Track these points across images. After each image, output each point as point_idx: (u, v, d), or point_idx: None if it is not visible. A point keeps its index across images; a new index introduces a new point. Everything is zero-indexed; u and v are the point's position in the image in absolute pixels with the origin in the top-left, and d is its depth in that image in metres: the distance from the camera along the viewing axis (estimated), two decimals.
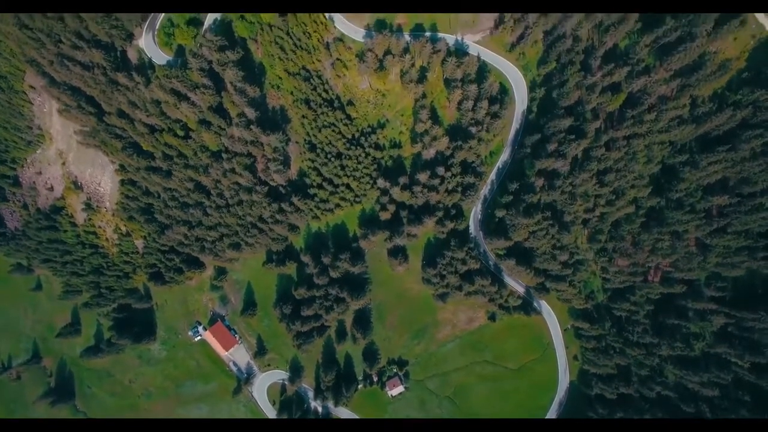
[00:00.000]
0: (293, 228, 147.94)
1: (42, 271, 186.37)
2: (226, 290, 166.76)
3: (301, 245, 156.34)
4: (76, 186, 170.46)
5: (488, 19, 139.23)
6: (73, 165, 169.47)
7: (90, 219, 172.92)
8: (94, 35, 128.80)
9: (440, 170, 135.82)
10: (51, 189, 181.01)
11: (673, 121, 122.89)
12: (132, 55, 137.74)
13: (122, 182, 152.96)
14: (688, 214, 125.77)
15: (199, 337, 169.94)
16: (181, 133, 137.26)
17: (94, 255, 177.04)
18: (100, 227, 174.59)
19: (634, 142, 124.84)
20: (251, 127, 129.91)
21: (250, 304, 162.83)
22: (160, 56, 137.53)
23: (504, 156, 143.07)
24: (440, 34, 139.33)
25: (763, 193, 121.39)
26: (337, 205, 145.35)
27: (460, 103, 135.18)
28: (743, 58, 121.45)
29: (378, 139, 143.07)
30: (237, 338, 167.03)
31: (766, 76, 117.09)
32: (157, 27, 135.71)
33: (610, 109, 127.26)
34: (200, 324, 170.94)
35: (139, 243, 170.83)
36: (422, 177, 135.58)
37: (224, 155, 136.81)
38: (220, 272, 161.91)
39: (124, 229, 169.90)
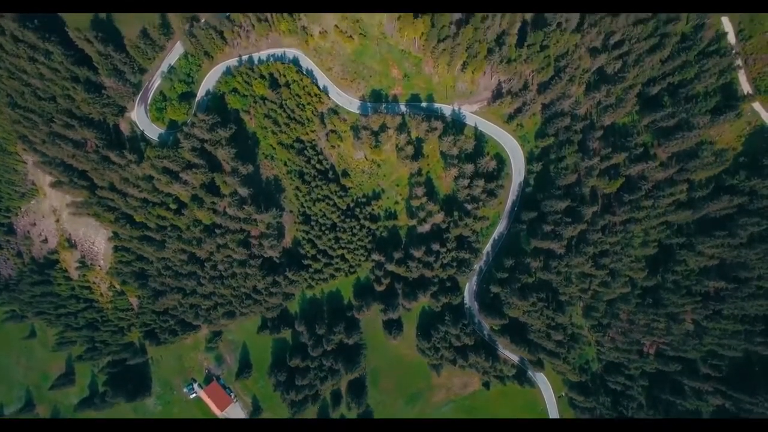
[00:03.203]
0: (288, 297, 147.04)
1: (36, 320, 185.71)
2: (221, 350, 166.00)
3: (296, 310, 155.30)
4: (70, 244, 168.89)
5: (486, 89, 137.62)
6: (67, 223, 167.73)
7: (84, 275, 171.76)
8: (87, 114, 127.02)
9: (435, 246, 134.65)
10: (45, 241, 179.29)
11: (671, 206, 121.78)
12: (124, 128, 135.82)
13: (115, 248, 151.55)
14: (685, 297, 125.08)
15: (194, 395, 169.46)
16: (174, 206, 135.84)
17: (89, 309, 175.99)
18: (94, 283, 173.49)
19: (631, 226, 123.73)
20: (244, 206, 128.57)
21: (245, 366, 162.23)
22: (152, 129, 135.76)
23: (500, 227, 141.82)
24: (437, 104, 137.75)
25: (760, 278, 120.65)
26: (332, 276, 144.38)
27: (456, 178, 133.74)
28: (740, 142, 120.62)
29: (373, 209, 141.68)
30: (232, 397, 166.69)
31: (762, 164, 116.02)
32: (149, 101, 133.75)
33: (607, 192, 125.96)
34: (195, 381, 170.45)
35: (134, 301, 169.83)
36: (417, 253, 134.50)
37: (217, 231, 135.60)
38: (216, 334, 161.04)
39: (118, 287, 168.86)
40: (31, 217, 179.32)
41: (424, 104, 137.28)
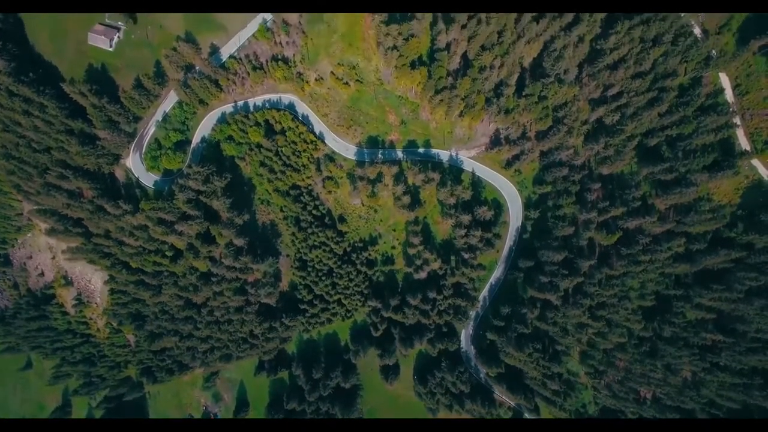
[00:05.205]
0: (284, 341, 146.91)
1: (32, 353, 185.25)
2: (218, 388, 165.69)
3: (293, 350, 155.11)
4: (66, 281, 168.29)
5: (484, 135, 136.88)
6: (63, 260, 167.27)
7: (81, 311, 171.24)
8: (81, 164, 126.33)
9: (432, 294, 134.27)
10: (42, 274, 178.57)
11: (669, 260, 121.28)
12: (120, 174, 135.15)
13: (112, 291, 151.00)
14: (682, 349, 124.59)
15: None
16: (169, 253, 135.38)
17: (85, 344, 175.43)
18: (91, 319, 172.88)
19: (628, 280, 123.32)
20: (240, 257, 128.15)
21: (242, 404, 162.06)
22: (147, 176, 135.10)
23: (497, 272, 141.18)
24: (434, 150, 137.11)
25: (758, 331, 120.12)
26: (329, 320, 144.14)
27: (453, 226, 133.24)
28: (738, 195, 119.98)
29: (370, 254, 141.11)
30: None
31: (759, 218, 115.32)
32: (144, 149, 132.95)
33: (605, 243, 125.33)
34: (193, 418, 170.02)
35: (131, 337, 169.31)
36: (414, 301, 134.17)
37: (213, 278, 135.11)
38: (213, 373, 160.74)
39: (115, 324, 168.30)
40: (28, 249, 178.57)
41: (421, 150, 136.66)
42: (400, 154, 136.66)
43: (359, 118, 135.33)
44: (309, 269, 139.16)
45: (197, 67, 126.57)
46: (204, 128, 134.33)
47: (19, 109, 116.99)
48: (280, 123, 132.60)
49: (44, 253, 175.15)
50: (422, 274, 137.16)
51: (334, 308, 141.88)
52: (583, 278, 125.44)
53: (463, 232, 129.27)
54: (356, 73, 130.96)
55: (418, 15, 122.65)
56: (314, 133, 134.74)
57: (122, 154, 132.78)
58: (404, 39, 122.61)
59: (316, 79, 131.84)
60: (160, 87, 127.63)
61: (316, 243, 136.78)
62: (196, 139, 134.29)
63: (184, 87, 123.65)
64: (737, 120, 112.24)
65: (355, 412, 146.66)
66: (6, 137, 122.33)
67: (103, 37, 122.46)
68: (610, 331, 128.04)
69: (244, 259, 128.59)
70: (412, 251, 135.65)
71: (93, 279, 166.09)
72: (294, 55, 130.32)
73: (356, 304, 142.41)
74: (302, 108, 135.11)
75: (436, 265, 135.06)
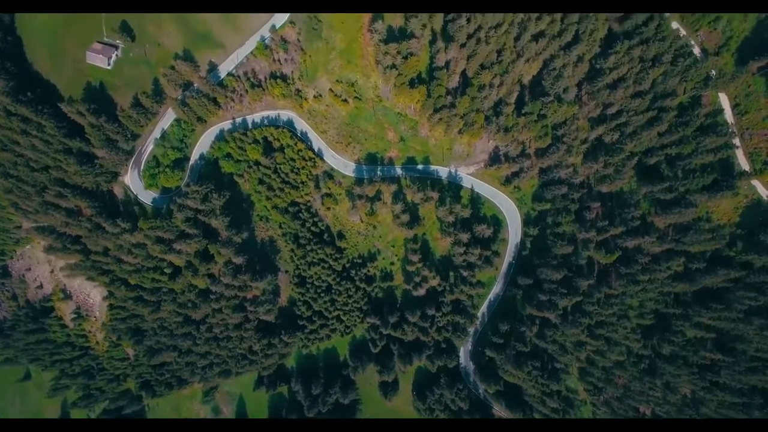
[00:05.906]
0: (283, 356, 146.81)
1: (30, 365, 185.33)
2: (218, 401, 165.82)
3: (292, 365, 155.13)
4: (65, 295, 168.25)
5: (483, 152, 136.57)
6: (62, 274, 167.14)
7: (80, 324, 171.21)
8: (80, 183, 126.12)
9: (431, 311, 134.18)
10: (40, 286, 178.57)
11: (668, 279, 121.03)
12: (118, 191, 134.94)
13: (110, 306, 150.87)
14: (681, 368, 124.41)
15: None
16: (168, 271, 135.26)
17: (84, 357, 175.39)
18: (90, 332, 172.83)
19: (627, 299, 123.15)
20: (239, 275, 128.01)
21: (242, 417, 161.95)
22: (145, 194, 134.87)
23: (496, 288, 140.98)
24: (433, 167, 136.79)
25: (758, 350, 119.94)
26: (327, 336, 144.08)
27: (452, 244, 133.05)
28: (737, 213, 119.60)
29: (368, 270, 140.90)
30: None
31: (759, 238, 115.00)
32: (142, 166, 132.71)
33: (604, 262, 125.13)
34: None
35: (130, 351, 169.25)
36: (413, 318, 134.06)
37: (212, 296, 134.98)
38: (212, 387, 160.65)
39: (114, 338, 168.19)
40: (26, 261, 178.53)
41: (420, 166, 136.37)
42: (399, 170, 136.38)
43: (358, 134, 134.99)
44: (308, 285, 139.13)
45: (195, 85, 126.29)
46: (202, 146, 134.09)
47: (17, 129, 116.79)
48: (279, 140, 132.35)
49: (43, 266, 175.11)
50: (421, 291, 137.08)
51: (333, 324, 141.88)
52: (582, 297, 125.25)
53: (461, 249, 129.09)
54: (355, 90, 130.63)
55: (417, 33, 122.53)
56: (313, 150, 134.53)
57: (120, 172, 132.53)
58: (403, 57, 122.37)
59: (314, 96, 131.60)
60: (158, 105, 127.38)
61: (315, 259, 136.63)
62: (194, 157, 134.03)
63: (182, 105, 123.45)
64: (736, 141, 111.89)
65: None
66: (4, 156, 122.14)
67: (101, 55, 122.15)
68: (609, 349, 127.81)
69: (243, 277, 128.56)
70: (411, 268, 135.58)
71: (92, 293, 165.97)
72: (292, 72, 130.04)
73: (355, 321, 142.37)
74: (301, 125, 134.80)
75: (434, 282, 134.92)
